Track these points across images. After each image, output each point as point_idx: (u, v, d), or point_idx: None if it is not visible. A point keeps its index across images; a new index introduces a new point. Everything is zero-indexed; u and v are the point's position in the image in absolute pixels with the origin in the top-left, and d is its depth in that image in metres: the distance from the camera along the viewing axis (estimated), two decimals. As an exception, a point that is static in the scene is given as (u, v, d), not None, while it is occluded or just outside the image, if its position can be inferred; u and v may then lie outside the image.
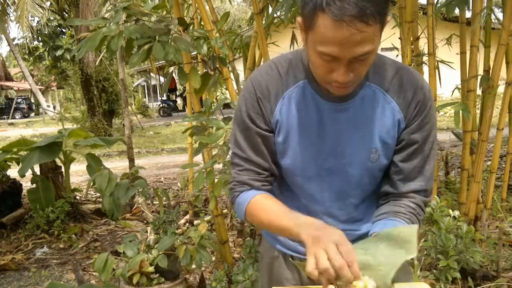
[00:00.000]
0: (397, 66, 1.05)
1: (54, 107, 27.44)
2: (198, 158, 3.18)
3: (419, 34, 2.65)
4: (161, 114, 20.52)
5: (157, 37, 1.99)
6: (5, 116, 25.55)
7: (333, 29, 0.83)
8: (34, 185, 4.27)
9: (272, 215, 1.03)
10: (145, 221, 4.39)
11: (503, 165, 3.76)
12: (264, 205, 1.06)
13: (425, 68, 2.71)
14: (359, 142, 1.05)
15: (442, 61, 2.72)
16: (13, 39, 20.77)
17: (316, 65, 0.94)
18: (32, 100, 28.50)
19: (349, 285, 0.82)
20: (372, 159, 1.06)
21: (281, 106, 1.06)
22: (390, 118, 1.04)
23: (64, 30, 21.64)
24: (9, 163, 4.53)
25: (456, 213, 2.21)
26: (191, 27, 2.33)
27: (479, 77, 2.50)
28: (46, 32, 21.05)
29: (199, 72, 2.30)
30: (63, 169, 4.58)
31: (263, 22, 2.51)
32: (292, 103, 1.06)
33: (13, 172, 4.41)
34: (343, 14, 0.80)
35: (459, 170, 3.03)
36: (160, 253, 2.38)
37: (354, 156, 1.06)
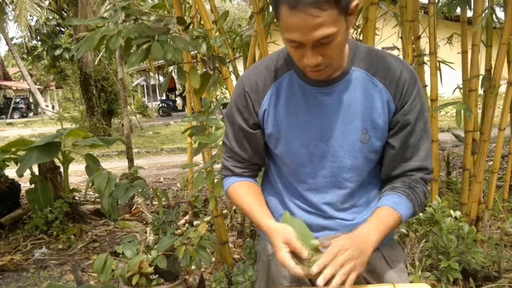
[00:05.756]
0: (382, 53, 1.12)
1: (53, 107, 27.43)
2: (198, 158, 3.17)
3: (420, 34, 2.63)
4: (161, 114, 20.51)
5: (156, 36, 1.97)
6: (4, 116, 25.51)
7: (291, 17, 0.92)
8: (32, 186, 4.25)
9: (245, 205, 1.18)
10: (144, 222, 4.38)
11: (505, 165, 3.75)
12: (240, 193, 1.20)
13: (426, 68, 2.70)
14: (348, 124, 1.09)
15: (443, 61, 2.71)
16: (12, 39, 20.75)
17: (290, 53, 1.02)
18: (31, 100, 28.49)
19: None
20: (363, 139, 1.09)
21: (269, 96, 1.13)
22: (378, 100, 1.08)
23: (63, 30, 21.54)
24: (8, 163, 4.50)
25: (458, 213, 2.20)
26: (190, 27, 2.31)
27: (480, 77, 2.49)
28: (45, 31, 20.97)
29: (198, 72, 2.28)
30: (61, 169, 4.56)
31: (263, 21, 2.49)
32: (280, 93, 1.13)
33: (11, 172, 4.39)
34: (297, 3, 0.89)
35: (461, 170, 3.02)
36: (160, 253, 2.36)
37: (343, 138, 1.10)
